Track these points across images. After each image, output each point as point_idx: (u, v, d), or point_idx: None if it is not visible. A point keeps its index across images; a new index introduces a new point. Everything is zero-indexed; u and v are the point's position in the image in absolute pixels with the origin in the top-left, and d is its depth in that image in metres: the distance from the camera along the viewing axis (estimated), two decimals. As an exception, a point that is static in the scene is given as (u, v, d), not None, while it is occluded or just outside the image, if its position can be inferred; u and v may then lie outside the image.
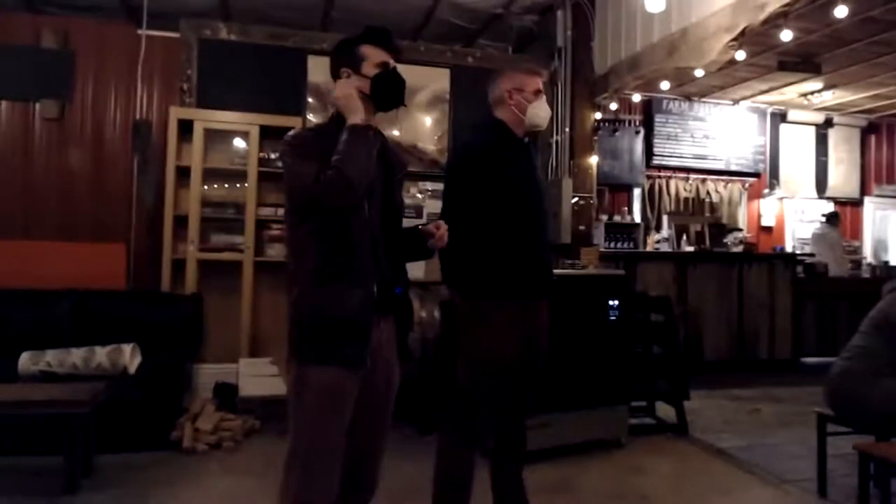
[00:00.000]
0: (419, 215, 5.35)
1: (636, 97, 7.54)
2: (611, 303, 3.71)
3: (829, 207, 9.04)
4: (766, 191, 8.71)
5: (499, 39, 6.25)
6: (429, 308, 4.15)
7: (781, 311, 6.12)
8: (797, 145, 8.93)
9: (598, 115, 6.13)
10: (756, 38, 5.31)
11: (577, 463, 3.48)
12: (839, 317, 6.28)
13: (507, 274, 2.42)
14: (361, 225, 1.78)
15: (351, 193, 1.71)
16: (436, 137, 5.61)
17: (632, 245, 7.60)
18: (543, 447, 3.36)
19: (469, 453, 2.46)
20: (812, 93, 7.94)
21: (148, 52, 5.05)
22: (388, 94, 1.88)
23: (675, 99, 8.26)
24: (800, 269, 6.54)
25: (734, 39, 4.09)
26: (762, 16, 3.85)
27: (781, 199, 8.81)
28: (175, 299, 4.58)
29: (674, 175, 8.36)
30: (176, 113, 4.79)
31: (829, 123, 8.99)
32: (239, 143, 5.00)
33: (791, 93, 8.00)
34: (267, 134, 4.88)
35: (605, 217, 7.64)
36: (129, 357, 3.70)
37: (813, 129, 8.99)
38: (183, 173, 4.76)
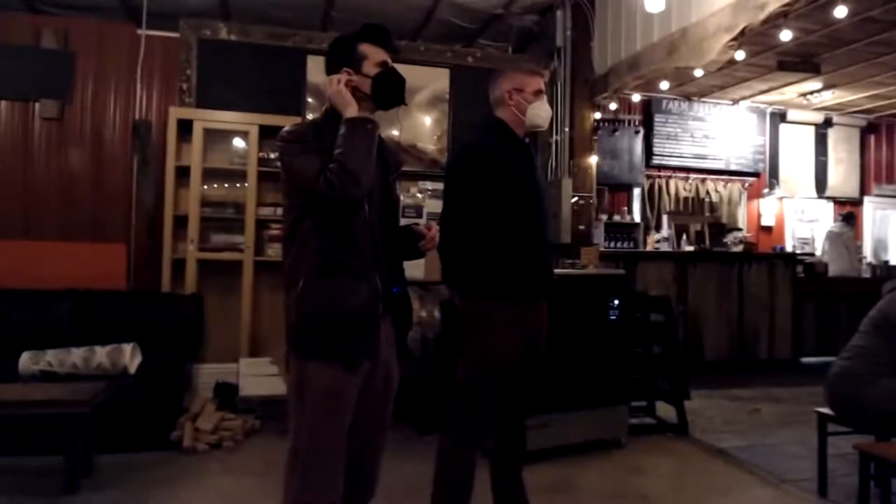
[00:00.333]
0: (419, 215, 5.35)
1: (636, 97, 7.53)
2: (611, 302, 3.71)
3: (829, 207, 9.10)
4: (766, 190, 8.71)
5: (499, 39, 6.26)
6: (429, 308, 4.15)
7: (781, 311, 6.12)
8: (797, 145, 8.94)
9: (598, 115, 6.14)
10: (756, 38, 5.31)
11: (577, 463, 3.48)
12: (839, 317, 6.28)
13: (508, 274, 2.42)
14: (362, 222, 1.77)
15: (355, 187, 1.70)
16: (435, 137, 5.61)
17: (632, 245, 7.60)
18: (543, 447, 3.36)
19: (469, 453, 2.46)
20: (812, 93, 7.94)
21: (148, 52, 5.05)
22: (389, 92, 1.88)
23: (675, 99, 8.26)
24: (800, 269, 6.55)
25: (734, 39, 4.09)
26: (762, 16, 3.85)
27: (781, 198, 8.81)
28: (175, 299, 4.58)
29: (674, 175, 8.36)
30: (175, 113, 4.79)
31: (828, 123, 8.99)
32: (238, 142, 5.00)
33: (791, 93, 8.00)
34: (266, 134, 4.87)
35: (604, 217, 7.64)
36: (129, 357, 3.69)
37: (812, 128, 9.00)
38: (182, 173, 4.76)
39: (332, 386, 1.73)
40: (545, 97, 2.51)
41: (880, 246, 9.15)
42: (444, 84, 5.60)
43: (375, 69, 1.86)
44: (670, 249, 7.03)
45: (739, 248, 6.66)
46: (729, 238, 7.06)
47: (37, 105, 4.92)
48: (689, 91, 8.02)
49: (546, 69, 5.73)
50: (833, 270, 7.37)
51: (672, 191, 8.32)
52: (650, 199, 8.22)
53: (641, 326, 4.38)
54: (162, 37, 5.13)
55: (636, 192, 8.17)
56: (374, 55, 1.87)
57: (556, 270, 2.77)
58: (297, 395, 1.76)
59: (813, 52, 6.57)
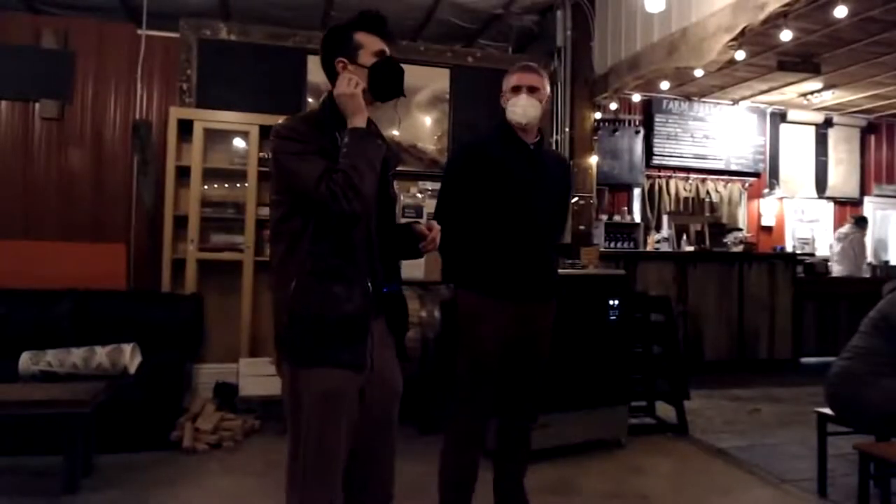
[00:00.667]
0: (419, 215, 5.34)
1: (636, 97, 7.54)
2: (611, 303, 3.71)
3: (830, 207, 9.10)
4: (766, 190, 8.71)
5: (499, 39, 6.26)
6: (429, 308, 4.15)
7: (781, 311, 6.12)
8: (797, 145, 8.94)
9: (598, 115, 6.14)
10: (756, 38, 5.31)
11: (577, 463, 3.48)
12: (839, 317, 6.29)
13: (487, 270, 2.45)
14: (358, 224, 1.71)
15: (358, 203, 1.63)
16: (435, 137, 5.61)
17: (632, 245, 7.59)
18: (543, 447, 3.36)
19: (468, 453, 2.46)
20: (812, 93, 7.94)
21: (148, 52, 5.05)
22: (387, 84, 1.79)
23: (675, 99, 8.26)
24: (800, 269, 6.55)
25: (734, 39, 4.09)
26: (762, 16, 3.85)
27: (781, 198, 8.82)
28: (175, 299, 4.58)
29: (674, 175, 8.36)
30: (176, 113, 4.79)
31: (828, 123, 8.99)
32: (239, 142, 5.00)
33: (791, 93, 8.00)
34: (267, 134, 4.86)
35: (605, 217, 7.64)
36: (129, 357, 3.69)
37: (813, 129, 9.00)
38: (183, 173, 4.76)
39: (326, 390, 1.68)
40: (524, 93, 2.46)
41: (880, 246, 9.16)
42: (444, 84, 5.61)
43: (372, 59, 1.77)
44: (670, 249, 7.03)
45: (739, 249, 6.66)
46: (729, 238, 7.06)
47: (37, 105, 4.92)
48: (690, 91, 8.02)
49: (546, 68, 5.73)
50: (839, 271, 7.47)
51: (672, 191, 8.32)
52: (650, 199, 8.22)
53: (641, 326, 4.38)
54: (162, 37, 5.14)
55: (636, 192, 8.17)
56: (370, 44, 1.78)
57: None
58: (292, 399, 1.71)
59: (813, 52, 6.57)
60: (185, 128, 4.74)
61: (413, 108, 5.47)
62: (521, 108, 2.46)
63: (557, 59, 5.65)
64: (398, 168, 2.16)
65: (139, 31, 5.06)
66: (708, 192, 8.47)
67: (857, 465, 2.68)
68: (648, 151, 8.17)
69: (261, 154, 4.86)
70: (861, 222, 7.92)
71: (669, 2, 4.45)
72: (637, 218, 8.01)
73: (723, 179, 8.57)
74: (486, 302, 2.44)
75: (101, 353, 3.66)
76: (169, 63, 5.12)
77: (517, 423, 2.60)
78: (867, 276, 7.37)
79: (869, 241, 9.00)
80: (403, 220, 2.01)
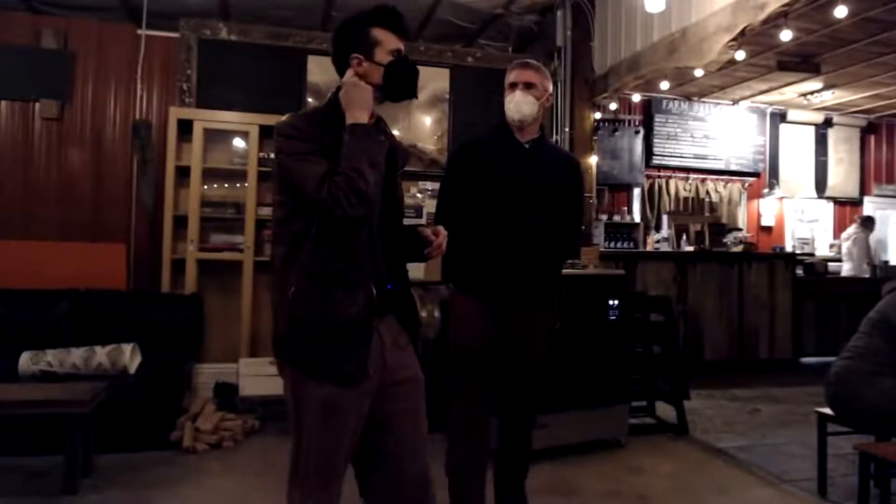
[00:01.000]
0: (419, 215, 5.35)
1: (636, 97, 7.55)
2: (611, 302, 3.71)
3: (829, 207, 9.10)
4: (766, 190, 8.71)
5: (499, 39, 6.26)
6: (429, 308, 4.15)
7: (781, 311, 6.12)
8: (797, 145, 8.94)
9: (598, 115, 6.15)
10: (756, 38, 5.32)
11: (577, 463, 3.48)
12: (839, 317, 6.29)
13: (475, 272, 2.44)
14: (362, 227, 1.65)
15: (362, 207, 1.56)
16: (435, 137, 5.61)
17: (632, 245, 7.59)
18: (543, 447, 3.35)
19: (471, 451, 2.46)
20: (812, 93, 7.94)
21: (148, 52, 5.05)
22: (401, 84, 1.72)
23: (675, 99, 8.26)
24: (800, 269, 6.55)
25: (734, 39, 4.09)
26: (762, 16, 3.85)
27: (781, 198, 8.81)
28: (175, 299, 4.58)
29: (673, 175, 8.36)
30: (176, 113, 4.79)
31: (828, 123, 8.99)
32: (239, 142, 5.00)
33: (791, 93, 8.00)
34: (267, 134, 4.87)
35: (605, 217, 7.64)
36: (129, 357, 3.69)
37: (812, 129, 9.00)
38: (182, 173, 4.77)
39: (325, 403, 1.63)
40: (519, 89, 2.45)
41: (880, 246, 9.15)
42: (444, 84, 5.61)
43: (388, 57, 1.69)
44: (670, 249, 7.03)
45: (739, 248, 6.66)
46: (729, 238, 7.05)
47: (37, 105, 4.92)
48: (689, 91, 8.02)
49: (546, 67, 5.73)
50: (846, 270, 7.58)
51: (672, 191, 8.32)
52: (650, 199, 8.22)
53: (641, 326, 4.38)
54: (162, 37, 5.14)
55: (636, 192, 8.16)
56: (387, 41, 1.69)
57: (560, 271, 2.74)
58: (294, 403, 1.67)
59: (813, 52, 6.57)
60: (185, 128, 4.74)
61: (413, 107, 5.47)
62: (515, 105, 2.44)
63: (557, 59, 5.65)
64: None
65: (139, 31, 5.07)
66: (708, 192, 8.47)
67: (857, 465, 2.67)
68: (648, 151, 8.17)
69: (261, 154, 4.86)
70: (867, 222, 7.95)
71: (669, 2, 4.45)
72: (637, 218, 8.00)
73: (723, 179, 8.57)
74: (471, 303, 2.43)
75: (101, 353, 3.66)
76: (169, 63, 5.13)
77: (515, 424, 2.58)
78: (867, 275, 7.37)
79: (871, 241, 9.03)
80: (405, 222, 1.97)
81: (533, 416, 2.65)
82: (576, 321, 3.57)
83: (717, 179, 8.54)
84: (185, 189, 4.77)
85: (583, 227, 5.42)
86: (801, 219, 8.97)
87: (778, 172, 8.81)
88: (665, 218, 7.81)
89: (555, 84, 5.62)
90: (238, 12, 5.65)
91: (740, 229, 7.94)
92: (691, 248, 6.70)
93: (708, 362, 5.84)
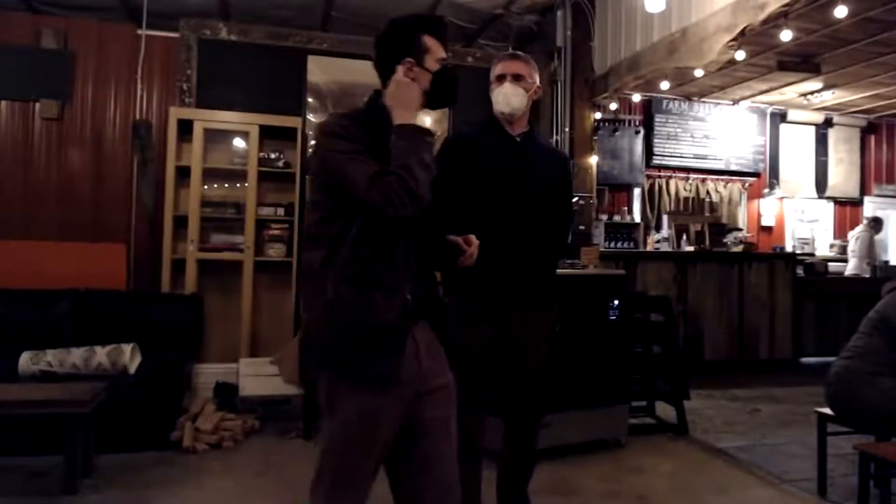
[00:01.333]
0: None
1: (636, 97, 7.55)
2: (611, 302, 3.71)
3: (830, 207, 9.10)
4: (766, 190, 8.71)
5: (499, 39, 6.26)
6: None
7: (781, 311, 6.12)
8: (797, 145, 8.94)
9: (598, 115, 6.14)
10: (756, 38, 5.32)
11: (577, 463, 3.48)
12: (839, 317, 6.29)
13: (466, 270, 2.38)
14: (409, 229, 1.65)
15: (414, 208, 1.54)
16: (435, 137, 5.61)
17: (632, 245, 7.60)
18: (543, 447, 3.34)
19: (462, 453, 2.45)
20: (812, 93, 7.94)
21: (148, 52, 5.05)
22: (445, 93, 1.75)
23: (675, 99, 8.26)
24: (800, 269, 6.55)
25: (734, 39, 4.09)
26: (762, 16, 3.85)
27: (781, 198, 8.81)
28: (175, 299, 4.58)
29: (674, 175, 8.36)
30: (176, 113, 4.80)
31: (828, 123, 8.99)
32: (239, 142, 5.00)
33: (791, 93, 8.00)
34: (266, 134, 4.89)
35: (605, 217, 7.64)
36: (129, 357, 3.70)
37: (813, 129, 9.00)
38: (183, 173, 4.77)
39: (360, 412, 1.61)
40: (507, 81, 2.41)
41: (880, 246, 9.15)
42: (444, 84, 5.60)
43: (436, 65, 1.72)
44: (670, 249, 7.03)
45: (739, 248, 6.66)
46: (729, 238, 7.05)
47: (37, 105, 4.92)
48: (689, 91, 8.02)
49: (546, 68, 5.73)
50: (848, 269, 7.69)
51: (672, 191, 8.32)
52: (650, 199, 8.22)
53: (641, 326, 4.38)
54: (162, 37, 5.14)
55: (636, 192, 8.16)
56: (436, 50, 1.72)
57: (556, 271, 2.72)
58: (328, 409, 1.65)
59: (813, 52, 6.57)
60: (185, 128, 4.74)
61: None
62: (504, 97, 2.40)
63: (557, 59, 5.65)
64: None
65: (139, 31, 5.07)
66: (708, 192, 8.47)
67: (857, 465, 2.67)
68: (648, 151, 8.18)
69: (261, 154, 4.87)
70: (875, 223, 8.01)
71: (669, 2, 4.45)
72: (637, 218, 8.01)
73: (723, 179, 8.57)
74: (463, 303, 2.36)
75: (101, 353, 3.66)
76: (169, 63, 5.13)
77: (518, 426, 2.56)
78: (867, 275, 7.38)
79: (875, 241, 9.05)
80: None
81: (537, 420, 2.60)
82: (576, 321, 3.57)
83: (718, 179, 8.54)
84: (185, 189, 4.77)
85: (583, 227, 5.47)
86: (801, 219, 8.97)
87: (778, 172, 8.81)
88: (665, 218, 7.81)
89: (555, 84, 5.63)
90: (238, 12, 5.64)
91: (740, 229, 7.94)
92: (691, 248, 6.70)
93: (708, 362, 5.84)
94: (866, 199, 9.22)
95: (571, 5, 5.61)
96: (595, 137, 5.92)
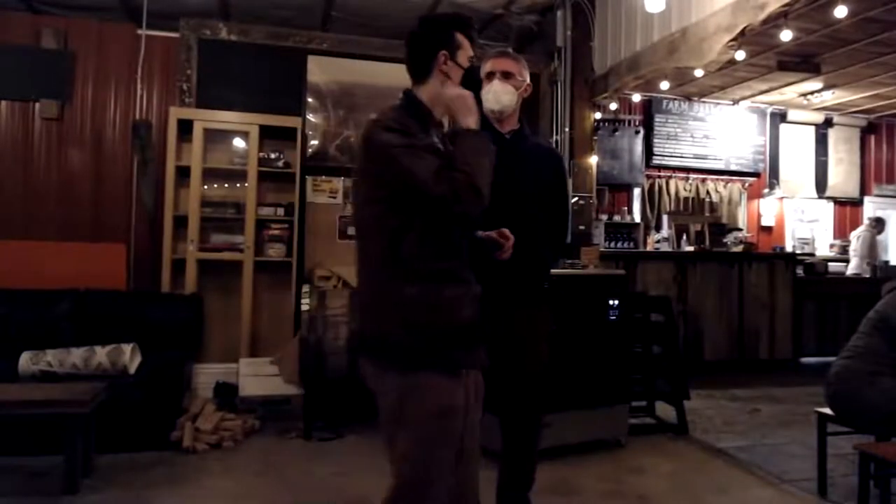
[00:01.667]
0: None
1: (636, 97, 7.55)
2: (611, 302, 3.71)
3: (830, 207, 9.10)
4: (766, 190, 8.71)
5: (499, 39, 6.25)
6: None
7: (781, 311, 6.12)
8: (797, 145, 8.93)
9: (598, 115, 6.14)
10: (756, 38, 5.31)
11: (577, 463, 3.48)
12: (839, 317, 6.29)
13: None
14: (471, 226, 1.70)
15: (478, 206, 1.57)
16: (436, 137, 5.60)
17: (632, 245, 7.60)
18: (543, 447, 3.34)
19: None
20: (812, 93, 7.94)
21: (148, 52, 5.05)
22: (472, 90, 1.78)
23: (675, 99, 8.26)
24: (800, 269, 6.55)
25: (734, 39, 4.10)
26: (762, 16, 3.85)
27: (781, 198, 8.81)
28: (175, 299, 4.58)
29: (674, 175, 8.36)
30: (176, 113, 4.79)
31: (828, 123, 8.99)
32: (238, 142, 5.00)
33: (791, 93, 8.00)
34: (266, 134, 4.89)
35: (605, 217, 7.64)
36: (129, 357, 3.70)
37: (813, 129, 9.00)
38: (183, 173, 4.77)
39: (441, 406, 1.59)
40: (497, 79, 2.38)
41: (880, 246, 9.15)
42: (444, 84, 5.59)
43: (467, 62, 1.77)
44: (670, 249, 7.03)
45: (739, 248, 6.66)
46: (729, 238, 7.06)
47: (37, 105, 4.92)
48: (689, 91, 8.02)
49: (546, 68, 5.73)
50: (849, 268, 7.75)
51: (672, 191, 8.32)
52: (650, 199, 8.22)
53: (641, 326, 4.38)
54: (162, 37, 5.14)
55: (636, 192, 8.16)
56: (467, 48, 1.77)
57: (555, 271, 2.71)
58: (399, 413, 1.60)
59: (813, 52, 6.57)
60: (185, 128, 4.74)
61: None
62: (493, 95, 2.37)
63: (557, 59, 5.65)
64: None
65: (139, 31, 5.06)
66: (708, 192, 8.47)
67: (857, 465, 2.67)
68: (648, 151, 8.17)
69: (261, 154, 4.87)
70: (877, 223, 8.04)
71: (669, 2, 4.45)
72: (637, 218, 8.00)
73: (723, 179, 8.56)
74: None
75: (101, 353, 3.66)
76: (169, 63, 5.13)
77: (517, 427, 2.55)
78: (867, 275, 7.38)
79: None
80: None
81: (538, 420, 2.58)
82: (576, 321, 3.57)
83: (718, 179, 8.54)
84: (185, 189, 4.77)
85: (582, 227, 5.47)
86: (801, 219, 8.97)
87: (778, 172, 8.81)
88: (665, 218, 7.81)
89: (555, 84, 5.63)
90: (238, 12, 5.64)
91: (740, 229, 7.94)
92: (691, 248, 6.71)
93: (708, 362, 5.84)
94: (866, 199, 9.22)
95: (571, 5, 5.61)
96: (595, 137, 5.92)
